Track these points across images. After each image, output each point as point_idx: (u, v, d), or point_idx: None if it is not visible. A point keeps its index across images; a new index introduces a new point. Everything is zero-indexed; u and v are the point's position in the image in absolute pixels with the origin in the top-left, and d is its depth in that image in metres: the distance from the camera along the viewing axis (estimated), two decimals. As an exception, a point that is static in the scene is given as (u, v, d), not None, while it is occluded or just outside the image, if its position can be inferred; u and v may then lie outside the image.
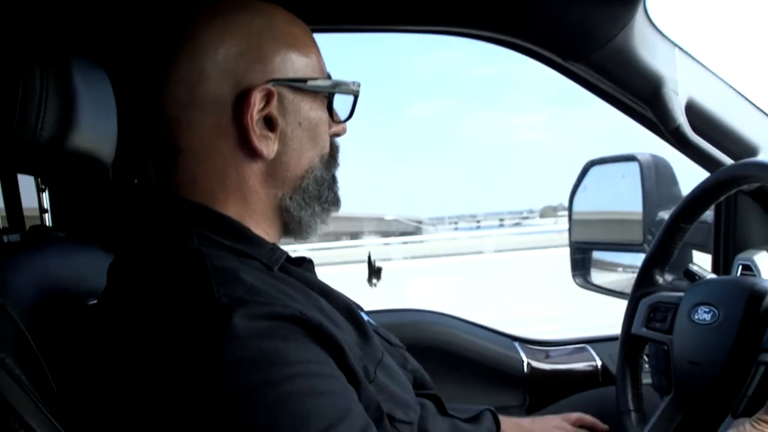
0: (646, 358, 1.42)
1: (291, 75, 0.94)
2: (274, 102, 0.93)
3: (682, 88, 1.48)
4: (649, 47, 1.47)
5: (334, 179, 1.02)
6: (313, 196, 0.98)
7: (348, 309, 0.95)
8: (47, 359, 0.91)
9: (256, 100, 0.91)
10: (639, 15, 1.44)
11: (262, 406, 0.72)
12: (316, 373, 0.77)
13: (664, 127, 1.48)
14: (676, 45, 1.50)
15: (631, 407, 1.38)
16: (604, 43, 1.44)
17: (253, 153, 0.93)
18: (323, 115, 0.99)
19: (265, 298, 0.79)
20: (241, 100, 0.91)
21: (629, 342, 1.40)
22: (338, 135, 1.04)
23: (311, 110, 0.97)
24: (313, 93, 0.97)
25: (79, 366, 0.89)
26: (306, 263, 1.04)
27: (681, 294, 1.29)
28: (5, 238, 1.05)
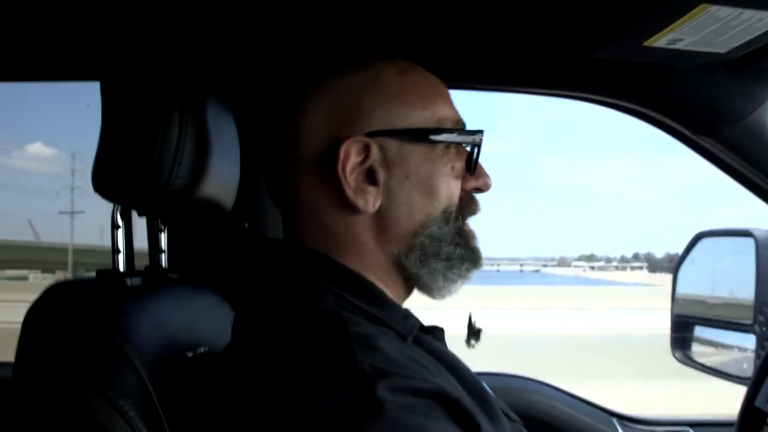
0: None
1: (397, 127, 0.92)
2: (375, 154, 0.91)
3: (820, 171, 1.41)
4: (786, 126, 1.40)
5: (460, 233, 0.96)
6: (431, 253, 0.94)
7: (476, 387, 0.90)
8: (164, 410, 0.90)
9: (351, 152, 0.90)
10: (777, 92, 1.38)
11: None
12: None
13: (797, 211, 1.41)
14: (815, 124, 1.43)
15: None
16: (739, 120, 1.39)
17: (352, 207, 0.91)
18: (444, 168, 0.94)
19: (405, 370, 0.76)
20: (335, 152, 0.90)
21: (750, 414, 1.31)
22: (480, 190, 1.00)
23: (424, 163, 0.93)
24: (430, 144, 0.94)
25: (201, 423, 0.87)
26: (437, 332, 1.00)
27: None
28: (128, 282, 1.04)
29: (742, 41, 1.16)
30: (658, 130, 1.50)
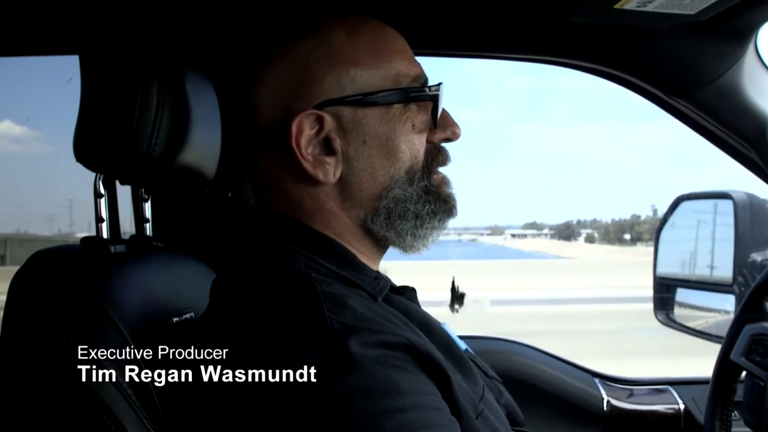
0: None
1: (349, 92, 0.90)
2: (330, 124, 0.90)
3: (790, 131, 1.42)
4: (757, 86, 1.42)
5: (427, 190, 0.94)
6: (397, 215, 0.93)
7: (448, 345, 0.92)
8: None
9: (304, 126, 0.90)
10: (749, 53, 1.39)
11: None
12: (427, 405, 0.75)
13: (768, 169, 1.44)
14: (786, 85, 1.45)
15: None
16: (711, 81, 1.40)
17: (314, 179, 0.91)
18: (403, 127, 0.92)
19: (373, 325, 0.78)
20: (288, 127, 0.90)
21: (725, 367, 1.35)
22: (449, 140, 0.97)
23: (381, 125, 0.91)
24: (385, 106, 0.92)
25: (182, 384, 0.89)
26: (409, 291, 1.02)
27: None
28: (112, 249, 1.06)
29: (711, 2, 1.17)
30: (634, 93, 1.52)
